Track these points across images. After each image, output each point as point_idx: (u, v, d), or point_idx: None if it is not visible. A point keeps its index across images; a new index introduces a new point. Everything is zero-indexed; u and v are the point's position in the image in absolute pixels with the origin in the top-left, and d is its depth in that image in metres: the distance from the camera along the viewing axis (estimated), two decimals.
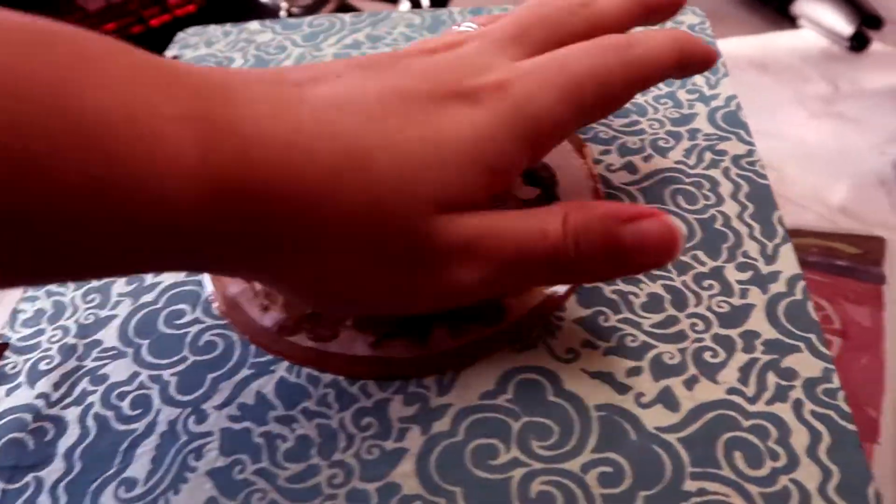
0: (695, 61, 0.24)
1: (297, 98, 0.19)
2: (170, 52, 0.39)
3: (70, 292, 0.28)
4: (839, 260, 0.36)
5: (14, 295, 0.31)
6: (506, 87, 0.20)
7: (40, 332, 0.26)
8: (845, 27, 0.62)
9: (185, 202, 0.17)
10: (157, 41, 0.63)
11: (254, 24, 0.40)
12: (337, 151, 0.19)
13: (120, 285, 0.28)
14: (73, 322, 0.27)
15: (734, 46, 0.63)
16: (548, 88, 0.20)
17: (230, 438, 0.22)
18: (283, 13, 0.55)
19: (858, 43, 0.62)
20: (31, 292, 0.28)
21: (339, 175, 0.18)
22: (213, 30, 0.40)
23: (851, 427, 0.21)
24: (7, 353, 0.26)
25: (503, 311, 0.24)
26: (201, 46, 0.39)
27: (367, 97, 0.20)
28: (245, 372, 0.24)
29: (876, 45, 0.61)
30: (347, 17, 0.40)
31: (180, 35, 0.40)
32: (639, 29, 0.24)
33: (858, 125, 0.52)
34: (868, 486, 0.20)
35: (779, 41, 0.64)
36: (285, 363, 0.24)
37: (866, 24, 0.61)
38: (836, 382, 0.22)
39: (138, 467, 0.22)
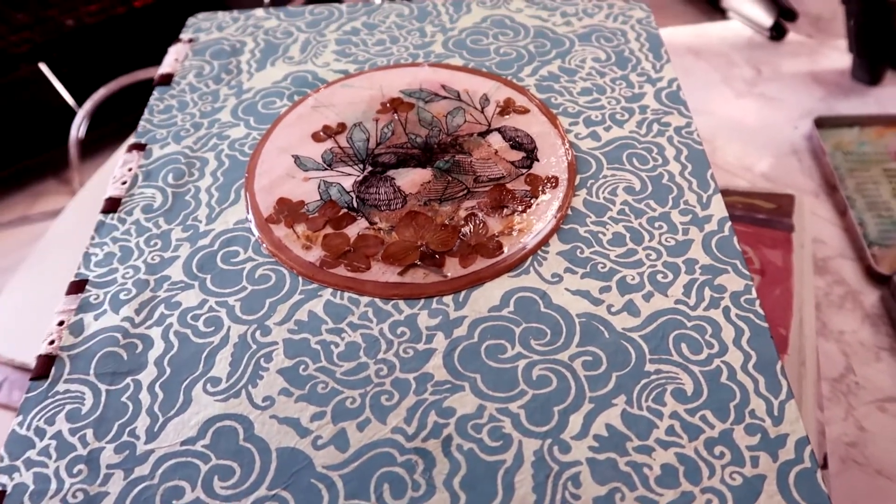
0: None
1: None
2: (184, 35, 0.43)
3: (133, 238, 0.33)
4: (759, 214, 0.44)
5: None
6: None
7: (114, 271, 0.31)
8: (766, 19, 0.70)
9: None
10: (141, 22, 0.66)
11: (259, 12, 0.45)
12: None
13: (177, 232, 0.33)
14: (142, 262, 0.32)
15: (672, 34, 0.72)
16: None
17: (292, 346, 0.28)
18: None
19: (777, 33, 0.71)
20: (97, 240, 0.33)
21: None
22: (223, 16, 0.45)
23: (764, 325, 0.28)
24: (87, 287, 0.31)
25: (501, 246, 0.31)
26: (213, 31, 0.44)
27: None
28: (297, 297, 0.30)
29: (793, 36, 0.71)
30: (344, 7, 0.45)
31: (191, 20, 0.45)
32: None
33: (777, 104, 0.60)
34: (776, 364, 0.27)
35: (711, 31, 0.73)
36: (329, 289, 0.30)
37: (783, 17, 0.70)
38: (753, 294, 0.29)
39: (219, 370, 0.28)
